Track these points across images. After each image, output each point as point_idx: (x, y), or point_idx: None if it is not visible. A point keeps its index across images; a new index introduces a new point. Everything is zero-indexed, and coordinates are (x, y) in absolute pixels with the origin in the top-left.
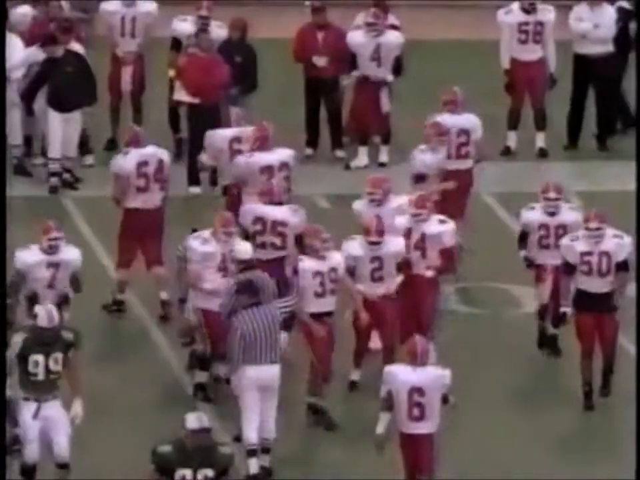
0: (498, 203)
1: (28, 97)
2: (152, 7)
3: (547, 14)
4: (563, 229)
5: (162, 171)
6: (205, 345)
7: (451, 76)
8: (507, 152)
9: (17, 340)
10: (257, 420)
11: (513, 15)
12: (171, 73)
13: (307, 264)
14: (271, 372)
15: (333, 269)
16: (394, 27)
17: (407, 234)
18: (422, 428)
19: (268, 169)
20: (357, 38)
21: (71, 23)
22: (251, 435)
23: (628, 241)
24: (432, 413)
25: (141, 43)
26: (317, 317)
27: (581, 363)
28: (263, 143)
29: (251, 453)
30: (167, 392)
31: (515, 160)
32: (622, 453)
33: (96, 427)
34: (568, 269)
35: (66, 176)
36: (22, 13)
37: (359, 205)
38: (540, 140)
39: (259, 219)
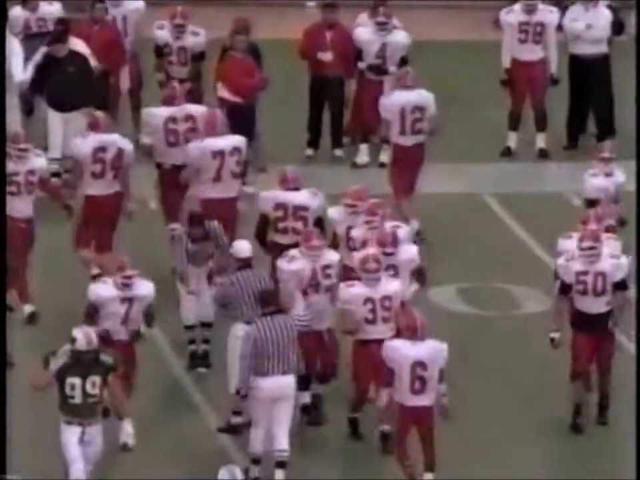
0: (498, 203)
1: (29, 95)
2: (139, 4)
3: (548, 15)
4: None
5: (120, 159)
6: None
7: (451, 76)
8: (507, 152)
9: (57, 362)
10: (264, 431)
11: (513, 15)
12: (159, 76)
13: (357, 290)
14: (283, 383)
15: (386, 297)
16: (394, 28)
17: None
18: (424, 400)
19: (220, 154)
20: (364, 35)
21: (67, 23)
22: (256, 445)
23: (625, 261)
24: (432, 386)
25: (133, 41)
26: (367, 343)
27: (573, 384)
28: (212, 129)
29: (255, 461)
30: (167, 392)
31: (515, 160)
32: (622, 452)
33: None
34: (563, 289)
35: (66, 176)
36: (15, 15)
37: (334, 213)
38: (540, 140)
39: (281, 205)
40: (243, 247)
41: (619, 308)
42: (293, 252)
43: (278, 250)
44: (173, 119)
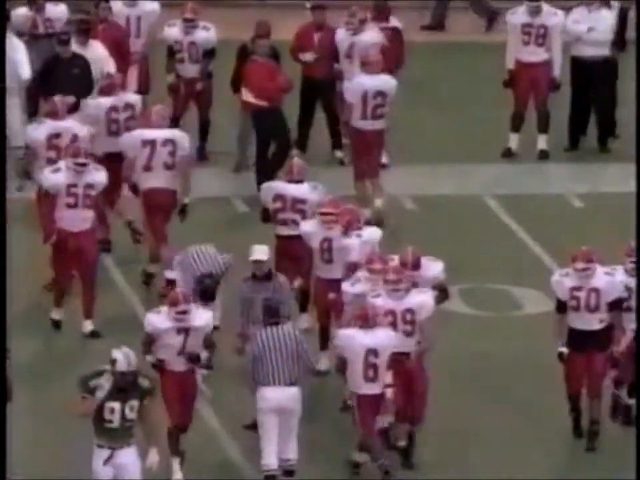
0: (499, 204)
1: (35, 95)
2: (155, 5)
3: (552, 17)
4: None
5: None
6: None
7: (451, 77)
8: (508, 153)
9: (102, 389)
10: (275, 443)
11: (517, 16)
12: (169, 78)
13: (380, 301)
14: (287, 394)
15: (409, 310)
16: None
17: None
18: (375, 389)
19: (150, 143)
20: (338, 35)
21: (89, 23)
22: (270, 460)
23: (619, 278)
24: (383, 374)
25: (145, 43)
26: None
27: (569, 403)
28: (147, 119)
29: (270, 478)
30: None
31: (516, 162)
32: (622, 451)
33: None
34: (559, 306)
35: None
36: (21, 14)
37: (308, 227)
38: (541, 142)
39: (279, 197)
40: (262, 248)
41: (618, 331)
42: (359, 274)
43: (278, 241)
44: (114, 109)
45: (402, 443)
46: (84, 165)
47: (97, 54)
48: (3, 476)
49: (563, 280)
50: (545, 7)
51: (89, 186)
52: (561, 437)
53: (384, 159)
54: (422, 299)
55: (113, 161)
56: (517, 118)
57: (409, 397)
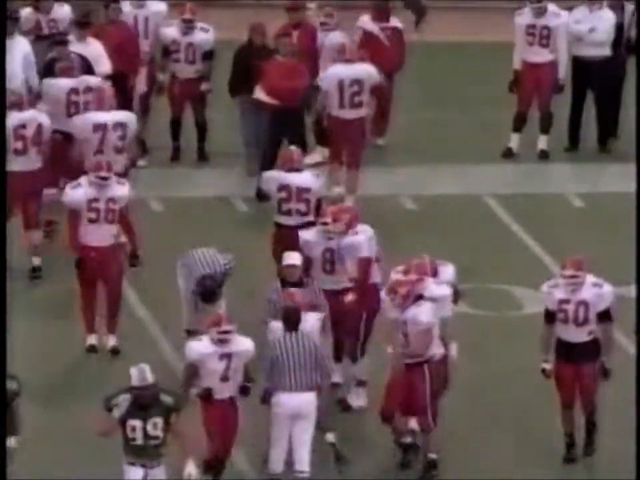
0: (499, 204)
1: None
2: (162, 6)
3: (555, 19)
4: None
5: (40, 135)
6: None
7: (452, 77)
8: (508, 153)
9: (117, 401)
10: (284, 450)
11: (523, 17)
12: (161, 77)
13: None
14: (303, 399)
15: (404, 322)
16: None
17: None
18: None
19: (101, 127)
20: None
21: (88, 20)
22: (275, 465)
23: (608, 289)
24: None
25: (152, 44)
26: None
27: (561, 414)
28: (99, 103)
29: None
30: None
31: (516, 162)
32: (623, 452)
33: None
34: (547, 316)
35: None
36: (26, 16)
37: (308, 236)
38: (542, 142)
39: (284, 187)
40: (294, 255)
41: (606, 340)
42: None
43: (283, 232)
44: (74, 91)
45: (407, 440)
46: (106, 178)
47: (94, 53)
48: (3, 476)
49: (552, 291)
50: (550, 8)
51: (111, 200)
52: (561, 436)
53: (380, 141)
54: (414, 313)
55: (70, 142)
56: (519, 118)
57: (407, 406)
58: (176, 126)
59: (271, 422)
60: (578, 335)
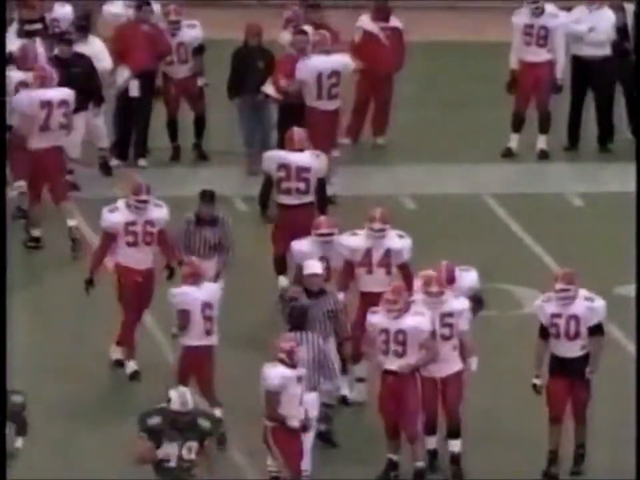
0: (499, 203)
1: None
2: (155, 7)
3: (552, 19)
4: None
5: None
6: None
7: (451, 77)
8: (508, 153)
9: (153, 422)
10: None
11: (520, 17)
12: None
13: (375, 318)
14: (306, 399)
15: (401, 331)
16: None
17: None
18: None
19: (47, 104)
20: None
21: (88, 19)
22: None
23: (599, 303)
24: None
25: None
26: (385, 374)
27: (548, 430)
28: (42, 82)
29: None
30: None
31: (516, 161)
32: (623, 451)
33: (101, 429)
34: (542, 331)
35: (68, 177)
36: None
37: (302, 246)
38: (541, 141)
39: (283, 166)
40: (315, 264)
41: (595, 354)
42: (415, 297)
43: (282, 211)
44: (23, 84)
45: (420, 464)
46: (145, 202)
47: (95, 49)
48: (3, 476)
49: (544, 305)
50: (548, 8)
51: (149, 223)
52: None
53: (380, 140)
54: (416, 322)
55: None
56: (517, 118)
57: (398, 415)
58: (173, 126)
59: None
60: (570, 350)
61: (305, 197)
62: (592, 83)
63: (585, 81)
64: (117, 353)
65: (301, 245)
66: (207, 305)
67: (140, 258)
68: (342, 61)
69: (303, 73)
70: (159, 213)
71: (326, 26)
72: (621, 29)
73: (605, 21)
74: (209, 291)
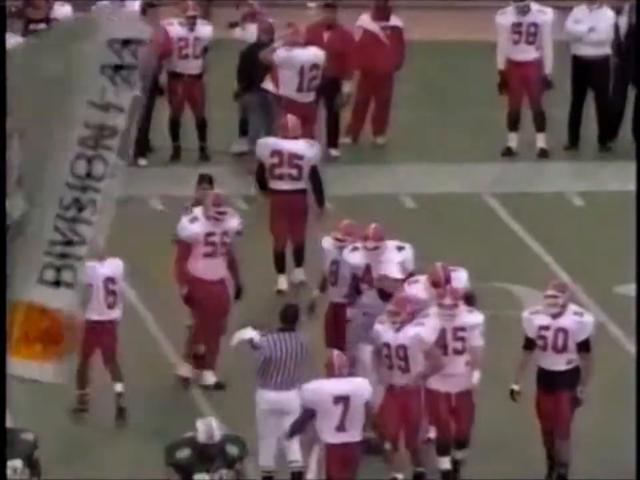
0: (499, 202)
1: None
2: (135, 4)
3: (542, 16)
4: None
5: None
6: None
7: (451, 76)
8: (508, 152)
9: (181, 455)
10: (273, 446)
11: (507, 16)
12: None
13: (381, 328)
14: (284, 397)
15: (401, 346)
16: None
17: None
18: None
19: None
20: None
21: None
22: (267, 461)
23: (588, 319)
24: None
25: None
26: (390, 388)
27: (542, 438)
28: None
29: (267, 479)
30: (170, 395)
31: (515, 160)
32: (623, 450)
33: (102, 430)
34: (526, 343)
35: None
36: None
37: (325, 244)
38: (540, 140)
39: (276, 152)
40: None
41: (585, 372)
42: (429, 311)
43: (275, 196)
44: None
45: (420, 469)
46: (224, 213)
47: None
48: (3, 476)
49: (532, 318)
50: (534, 6)
51: (225, 233)
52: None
53: (380, 140)
54: (416, 332)
55: None
56: (512, 118)
57: (401, 425)
58: (175, 126)
59: (256, 418)
60: (557, 363)
61: (298, 183)
62: (592, 82)
63: (585, 80)
64: (185, 370)
65: (354, 258)
66: (109, 280)
67: (214, 269)
68: (317, 53)
69: (284, 63)
70: (233, 222)
71: (339, 26)
72: (620, 30)
73: (604, 20)
74: (112, 265)
